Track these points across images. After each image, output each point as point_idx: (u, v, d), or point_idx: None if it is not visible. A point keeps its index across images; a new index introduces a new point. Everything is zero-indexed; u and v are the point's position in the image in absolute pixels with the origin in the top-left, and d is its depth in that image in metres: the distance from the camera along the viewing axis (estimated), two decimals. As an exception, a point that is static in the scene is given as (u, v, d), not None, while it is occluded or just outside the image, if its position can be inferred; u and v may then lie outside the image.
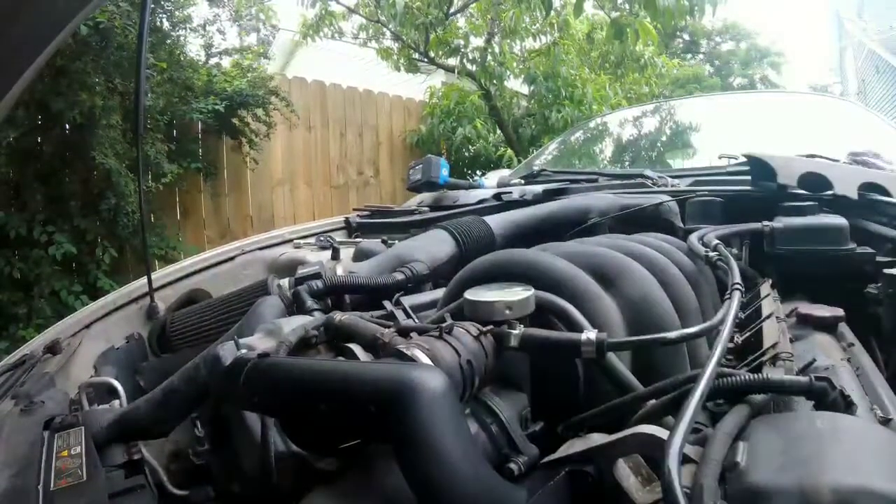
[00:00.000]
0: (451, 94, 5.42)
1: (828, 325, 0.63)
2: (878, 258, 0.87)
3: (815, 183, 1.04)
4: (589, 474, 0.43)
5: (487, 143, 5.52)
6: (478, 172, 5.28)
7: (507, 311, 0.53)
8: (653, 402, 0.49)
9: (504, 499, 0.37)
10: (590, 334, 0.49)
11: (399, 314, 0.70)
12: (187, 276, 1.30)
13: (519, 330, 0.51)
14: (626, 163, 2.19)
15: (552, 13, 4.66)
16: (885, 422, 0.43)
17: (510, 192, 1.47)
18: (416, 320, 0.68)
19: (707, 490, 0.33)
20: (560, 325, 0.57)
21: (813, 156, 1.24)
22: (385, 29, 5.39)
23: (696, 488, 0.33)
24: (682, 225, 1.15)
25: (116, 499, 0.45)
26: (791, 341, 0.58)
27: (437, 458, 0.34)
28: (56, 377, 0.85)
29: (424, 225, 1.40)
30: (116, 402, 0.72)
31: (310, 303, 0.79)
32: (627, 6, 4.42)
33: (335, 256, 1.09)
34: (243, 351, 0.51)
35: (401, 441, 0.35)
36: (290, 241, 1.48)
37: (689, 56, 13.29)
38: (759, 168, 1.13)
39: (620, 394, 0.51)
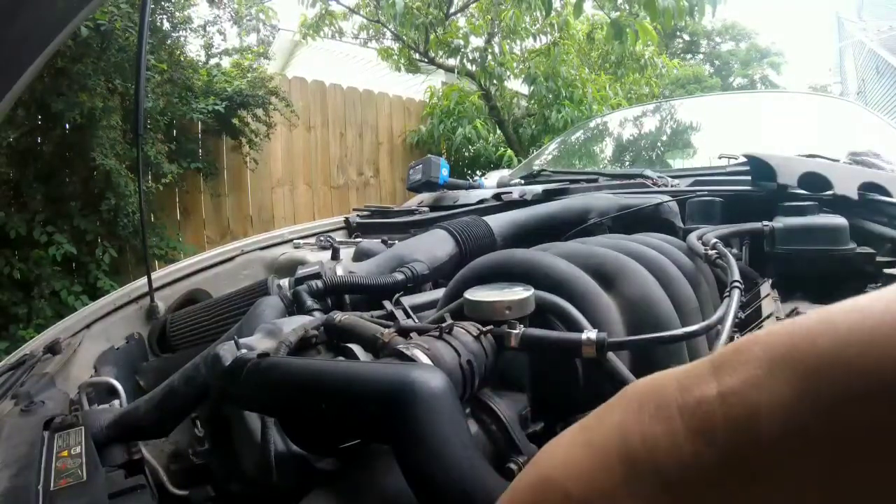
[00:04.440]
0: (451, 94, 5.42)
1: (828, 325, 0.63)
2: (878, 258, 0.87)
3: (815, 183, 1.04)
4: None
5: (487, 143, 5.52)
6: (478, 172, 5.28)
7: (507, 311, 0.53)
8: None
9: (504, 498, 0.37)
10: (590, 334, 0.49)
11: (399, 314, 0.70)
12: (187, 276, 1.30)
13: (519, 330, 0.51)
14: (626, 163, 2.19)
15: (552, 13, 4.66)
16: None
17: (510, 192, 1.47)
18: (416, 320, 0.68)
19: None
20: (560, 325, 0.57)
21: (813, 156, 1.24)
22: (385, 29, 5.39)
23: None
24: (682, 225, 1.15)
25: (116, 499, 0.45)
26: (791, 341, 0.58)
27: (437, 458, 0.34)
28: (56, 377, 0.85)
29: (424, 225, 1.40)
30: (116, 402, 0.72)
31: (310, 303, 0.79)
32: (627, 6, 4.42)
33: (335, 256, 1.09)
34: (243, 351, 0.51)
35: (401, 441, 0.35)
36: (290, 241, 1.48)
37: (689, 56, 13.30)
38: (759, 168, 1.13)
39: (620, 394, 0.51)
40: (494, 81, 5.24)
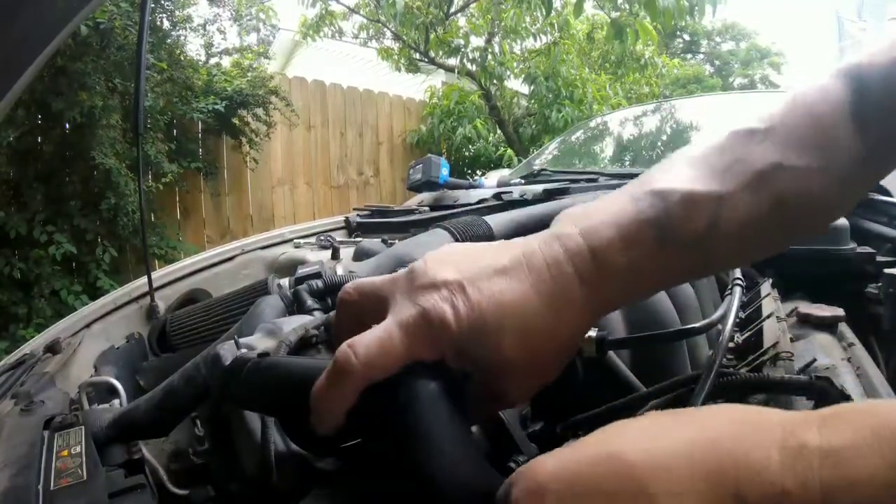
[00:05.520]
0: (451, 94, 5.42)
1: (828, 325, 0.63)
2: (878, 258, 0.87)
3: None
4: (589, 474, 0.43)
5: (487, 143, 5.52)
6: (478, 172, 5.28)
7: (508, 311, 0.53)
8: (654, 402, 0.49)
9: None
10: (590, 332, 0.49)
11: (399, 314, 0.69)
12: (187, 276, 1.30)
13: (519, 329, 0.51)
14: (627, 162, 2.19)
15: (552, 13, 4.66)
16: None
17: (510, 192, 1.47)
18: (417, 320, 0.68)
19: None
20: (560, 325, 0.57)
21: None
22: (385, 29, 5.39)
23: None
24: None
25: (116, 498, 0.45)
26: (791, 341, 0.58)
27: (438, 458, 0.34)
28: (56, 377, 0.85)
29: (424, 225, 1.40)
30: (116, 401, 0.72)
31: (310, 302, 0.78)
32: (627, 6, 4.42)
33: (335, 256, 1.09)
34: (243, 350, 0.50)
35: (400, 439, 0.35)
36: (290, 240, 1.48)
37: (689, 56, 13.29)
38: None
39: (620, 393, 0.51)
40: (494, 81, 5.25)
